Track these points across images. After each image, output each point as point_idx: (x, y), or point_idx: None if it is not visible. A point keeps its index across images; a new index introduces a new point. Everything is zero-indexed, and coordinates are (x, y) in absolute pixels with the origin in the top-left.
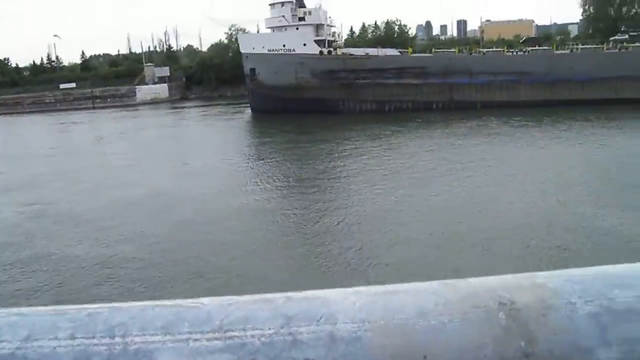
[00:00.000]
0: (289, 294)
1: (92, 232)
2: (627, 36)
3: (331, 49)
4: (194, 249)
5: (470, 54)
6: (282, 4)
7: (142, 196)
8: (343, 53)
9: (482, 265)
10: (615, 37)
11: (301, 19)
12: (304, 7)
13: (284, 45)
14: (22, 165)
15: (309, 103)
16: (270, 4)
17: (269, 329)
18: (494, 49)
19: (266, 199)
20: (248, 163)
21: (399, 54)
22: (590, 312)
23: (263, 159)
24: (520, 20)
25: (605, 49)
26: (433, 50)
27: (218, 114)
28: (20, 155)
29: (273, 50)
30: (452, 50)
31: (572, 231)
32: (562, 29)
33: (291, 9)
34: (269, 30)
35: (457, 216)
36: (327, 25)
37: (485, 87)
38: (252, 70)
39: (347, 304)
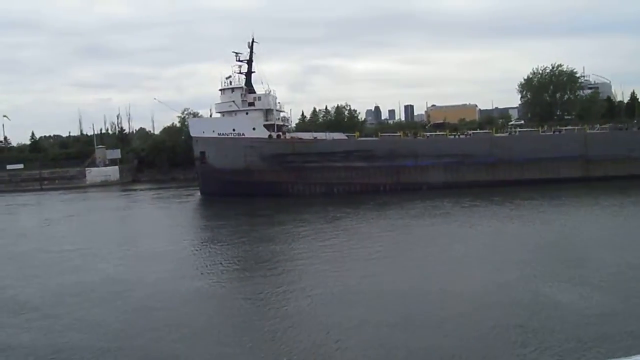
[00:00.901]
0: None
1: (41, 319)
2: (522, 121)
3: (280, 133)
4: (148, 337)
5: (415, 137)
6: (232, 89)
7: (93, 281)
8: (292, 137)
9: (445, 348)
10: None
11: (251, 104)
12: (254, 92)
13: (233, 130)
14: None
15: (258, 186)
16: (220, 89)
17: None
18: (438, 133)
19: (222, 284)
20: (204, 246)
21: (346, 137)
22: None
23: (219, 242)
24: (465, 105)
25: (540, 131)
26: (379, 134)
27: (171, 196)
28: None
29: (223, 134)
30: (398, 134)
31: (529, 308)
32: (504, 112)
33: (241, 94)
34: (219, 115)
35: (419, 297)
36: (277, 110)
37: (430, 169)
38: (202, 153)
39: None
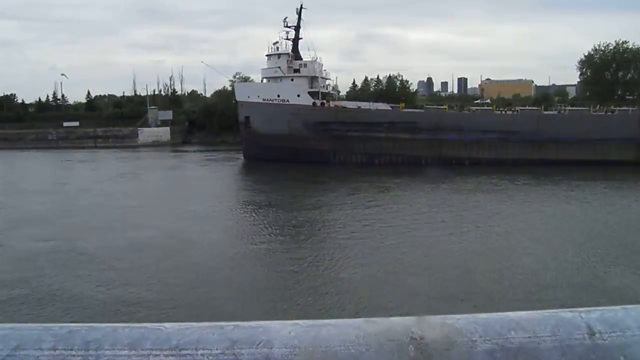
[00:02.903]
0: (238, 322)
1: (107, 272)
2: (488, 100)
3: (324, 101)
4: (205, 294)
5: (461, 111)
6: (279, 55)
7: (154, 237)
8: (336, 105)
9: None
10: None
11: (296, 70)
12: (300, 59)
13: (278, 96)
14: (33, 200)
15: (301, 153)
16: (267, 55)
17: (217, 349)
18: (484, 107)
19: (280, 247)
20: (258, 209)
21: (390, 108)
22: (487, 349)
23: (273, 206)
24: (520, 80)
25: (592, 111)
26: (424, 106)
27: (222, 159)
28: (32, 190)
29: (267, 99)
30: (443, 106)
31: (590, 290)
32: (561, 90)
33: (287, 60)
34: (265, 80)
35: (481, 271)
36: (322, 77)
37: (474, 145)
38: (247, 118)
39: (284, 333)
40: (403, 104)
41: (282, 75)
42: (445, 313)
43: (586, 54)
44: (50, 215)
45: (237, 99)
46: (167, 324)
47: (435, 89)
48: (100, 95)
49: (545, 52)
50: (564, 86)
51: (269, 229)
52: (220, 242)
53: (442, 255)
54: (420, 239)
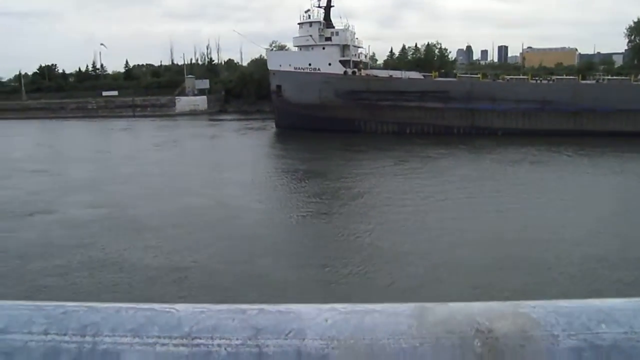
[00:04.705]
0: (263, 305)
1: (161, 239)
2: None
3: (355, 70)
4: (256, 263)
5: (495, 80)
6: (310, 23)
7: (201, 206)
8: (367, 74)
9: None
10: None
11: (328, 39)
12: (332, 27)
13: (309, 64)
14: (81, 168)
15: (331, 122)
16: (299, 23)
17: (237, 339)
18: (518, 77)
19: (334, 217)
20: (305, 178)
21: (422, 77)
22: (573, 346)
23: (318, 175)
24: (563, 49)
25: (633, 80)
26: (457, 75)
27: (259, 127)
28: (79, 158)
29: (299, 68)
30: (477, 75)
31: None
32: (606, 58)
33: (319, 29)
34: (297, 49)
35: (528, 243)
36: (354, 46)
37: (508, 114)
38: (278, 87)
39: (319, 320)
40: (436, 73)
41: (314, 43)
42: (503, 284)
43: (635, 20)
44: (98, 183)
45: (269, 67)
46: (178, 306)
47: (474, 58)
48: (138, 65)
49: (590, 19)
50: (610, 54)
51: (321, 197)
52: (272, 210)
53: (504, 229)
54: (476, 211)
